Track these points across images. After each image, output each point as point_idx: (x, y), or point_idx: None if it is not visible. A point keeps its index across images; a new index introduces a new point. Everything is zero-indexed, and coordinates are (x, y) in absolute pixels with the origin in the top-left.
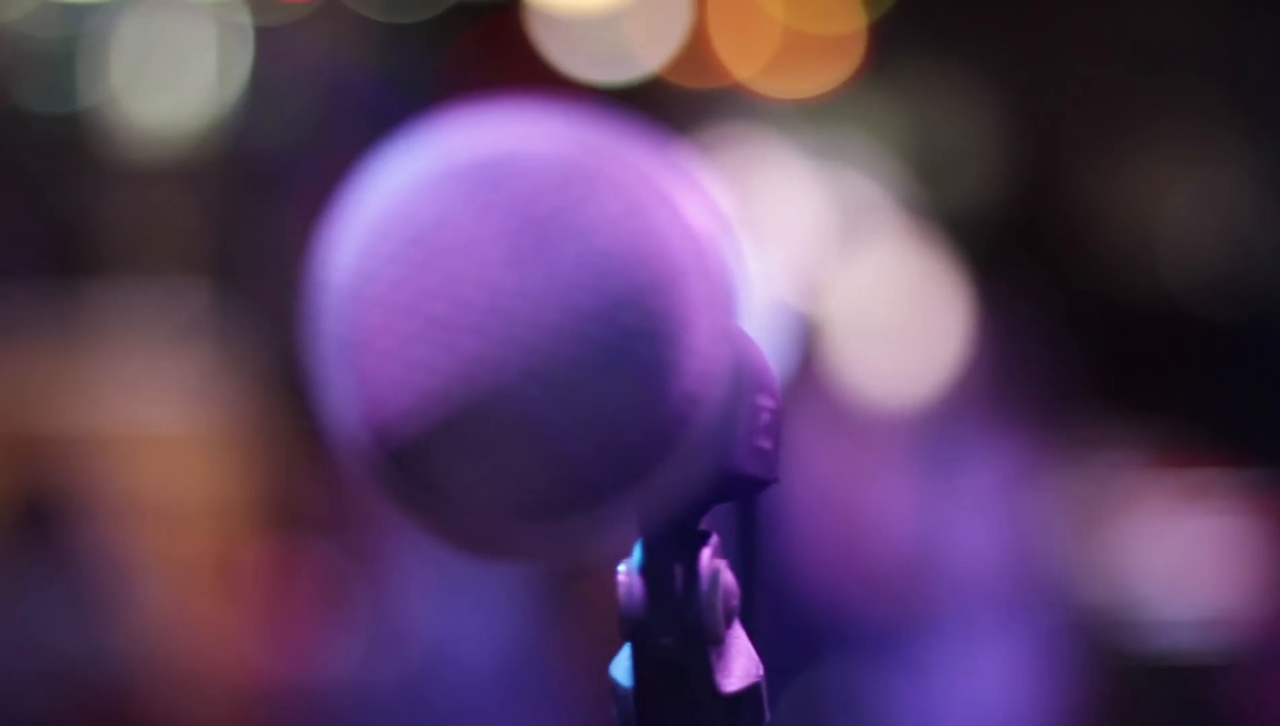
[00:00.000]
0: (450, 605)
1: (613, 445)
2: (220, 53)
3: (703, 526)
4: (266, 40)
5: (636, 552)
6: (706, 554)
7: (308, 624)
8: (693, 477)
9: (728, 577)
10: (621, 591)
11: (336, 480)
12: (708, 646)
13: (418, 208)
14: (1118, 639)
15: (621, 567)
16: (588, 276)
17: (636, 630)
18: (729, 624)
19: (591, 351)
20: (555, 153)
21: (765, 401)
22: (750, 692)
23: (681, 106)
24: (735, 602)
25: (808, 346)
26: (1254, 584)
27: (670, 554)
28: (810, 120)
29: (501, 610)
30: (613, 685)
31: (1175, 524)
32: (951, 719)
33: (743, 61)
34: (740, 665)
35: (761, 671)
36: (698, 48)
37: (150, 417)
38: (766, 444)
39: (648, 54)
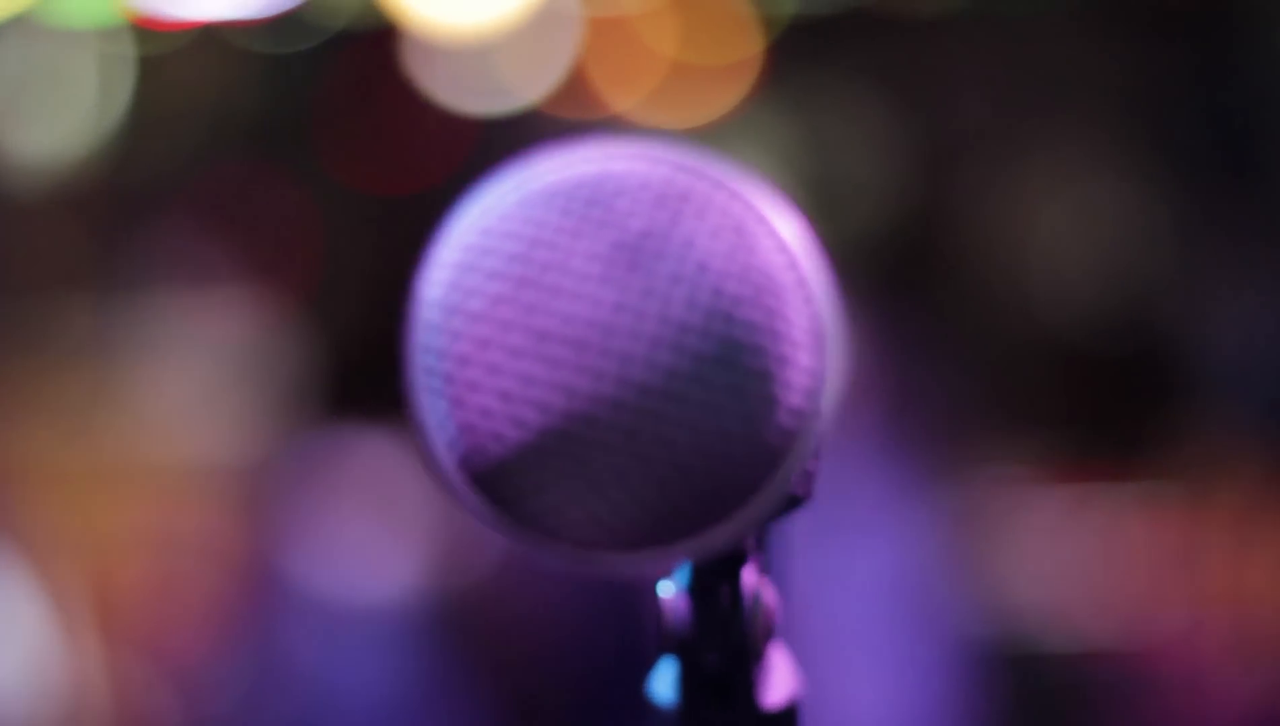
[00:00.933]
0: (336, 644)
1: (715, 462)
2: (101, 81)
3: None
4: (148, 69)
5: (683, 572)
6: (748, 571)
7: (191, 657)
8: (785, 500)
9: (769, 595)
10: (668, 611)
11: (219, 507)
12: (751, 662)
13: (516, 226)
14: (1008, 653)
15: (664, 587)
16: (686, 291)
17: (683, 648)
18: (770, 640)
19: (692, 364)
20: (647, 171)
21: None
22: (791, 709)
23: (559, 138)
24: (777, 619)
25: None
26: (1139, 595)
27: (717, 573)
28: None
29: (389, 650)
30: (649, 705)
31: (1061, 537)
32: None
33: (624, 93)
34: (781, 681)
35: (801, 687)
36: (578, 80)
37: (28, 446)
38: (814, 465)
39: (526, 86)
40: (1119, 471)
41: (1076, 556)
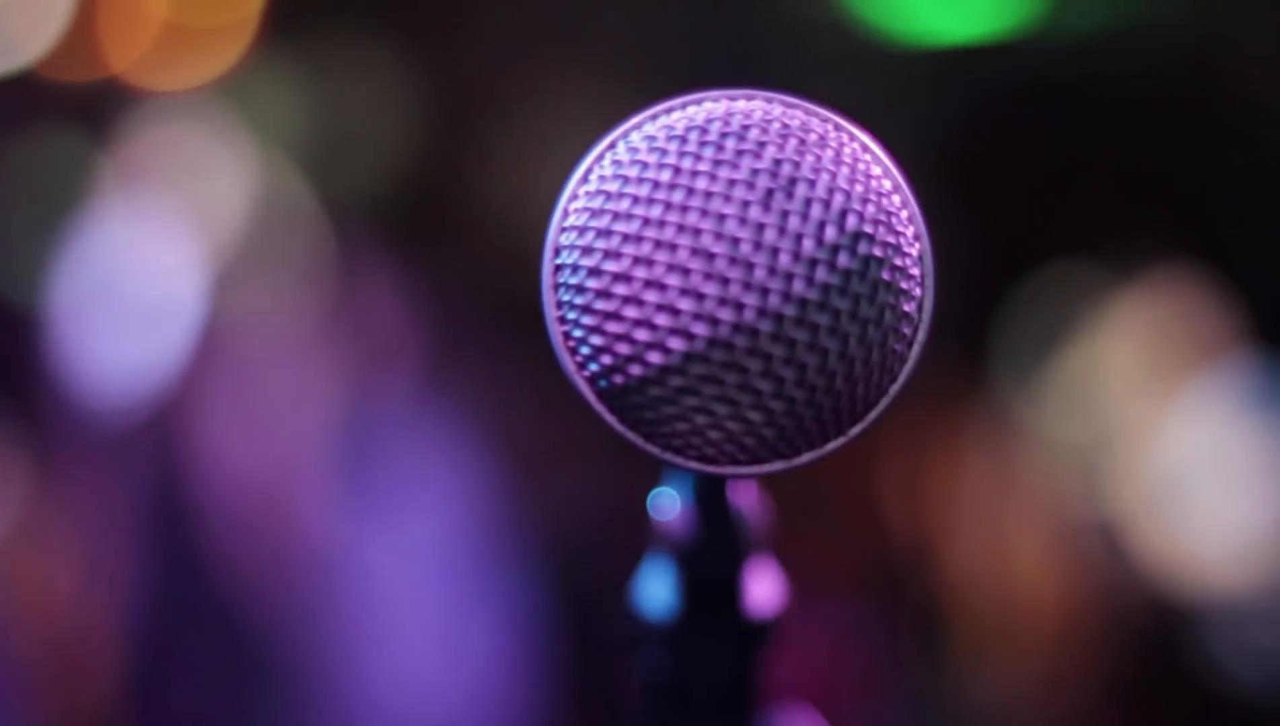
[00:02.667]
0: None
1: (849, 375)
2: None
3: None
4: None
5: (686, 486)
6: (742, 486)
7: None
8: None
9: (758, 507)
10: (673, 522)
11: None
12: (745, 571)
13: (655, 159)
14: (590, 617)
15: (659, 500)
16: (822, 211)
17: (688, 556)
18: (761, 550)
19: (838, 278)
20: (767, 108)
21: None
22: (777, 620)
23: (58, 100)
24: (764, 531)
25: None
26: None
27: (718, 486)
28: (204, 108)
29: None
30: (637, 622)
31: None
32: (402, 707)
33: (121, 53)
34: (769, 593)
35: (788, 601)
36: (77, 40)
37: None
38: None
39: (21, 46)
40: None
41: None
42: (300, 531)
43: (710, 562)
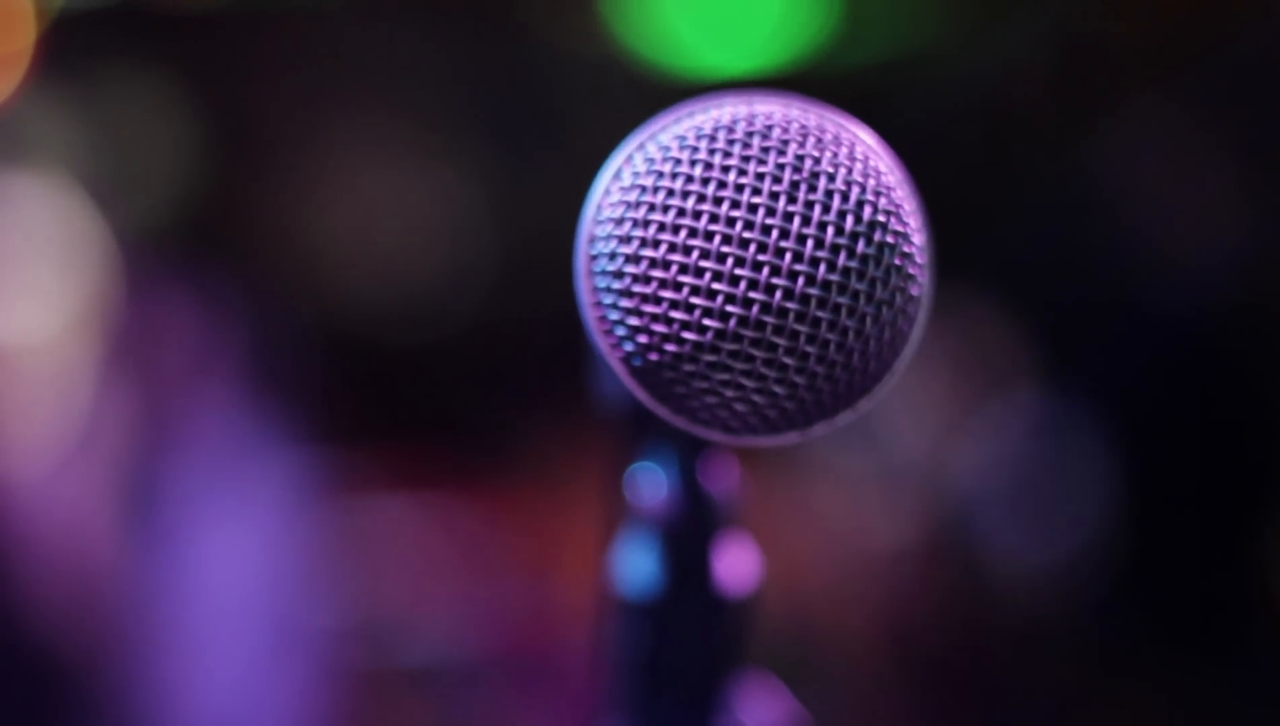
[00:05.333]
0: None
1: (864, 354)
2: None
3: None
4: None
5: (670, 462)
6: (718, 462)
7: None
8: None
9: (730, 483)
10: (653, 498)
11: None
12: (721, 541)
13: (687, 155)
14: (372, 653)
15: (639, 480)
16: (841, 203)
17: (669, 531)
18: (734, 525)
19: (858, 264)
20: (785, 109)
21: None
22: (754, 595)
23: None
24: (736, 506)
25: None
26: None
27: (693, 458)
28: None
29: None
30: (621, 601)
31: (412, 533)
32: None
33: None
34: (744, 569)
35: (758, 581)
36: None
37: None
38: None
39: None
40: (450, 471)
41: (425, 561)
42: (100, 561)
43: (690, 539)
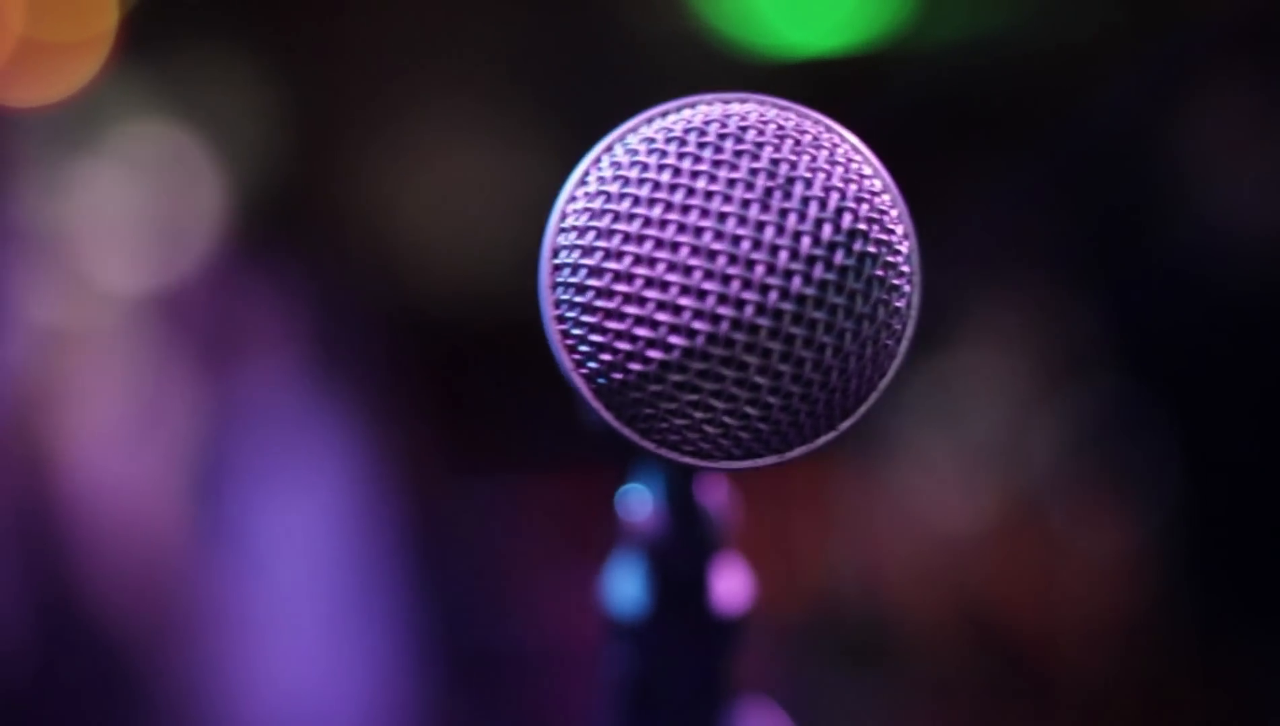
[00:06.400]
0: None
1: (844, 370)
2: None
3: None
4: None
5: (658, 483)
6: (709, 483)
7: None
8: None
9: (724, 504)
10: (645, 520)
11: None
12: (714, 567)
13: (655, 160)
14: (458, 631)
15: (629, 499)
16: (819, 209)
17: (659, 552)
18: (726, 547)
19: (835, 275)
20: (762, 111)
21: None
22: (746, 617)
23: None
24: (729, 527)
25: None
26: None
27: (685, 482)
28: (66, 123)
29: None
30: (614, 619)
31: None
32: (275, 711)
33: None
34: (736, 590)
35: (753, 598)
36: None
37: None
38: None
39: None
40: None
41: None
42: (168, 543)
43: (680, 559)
